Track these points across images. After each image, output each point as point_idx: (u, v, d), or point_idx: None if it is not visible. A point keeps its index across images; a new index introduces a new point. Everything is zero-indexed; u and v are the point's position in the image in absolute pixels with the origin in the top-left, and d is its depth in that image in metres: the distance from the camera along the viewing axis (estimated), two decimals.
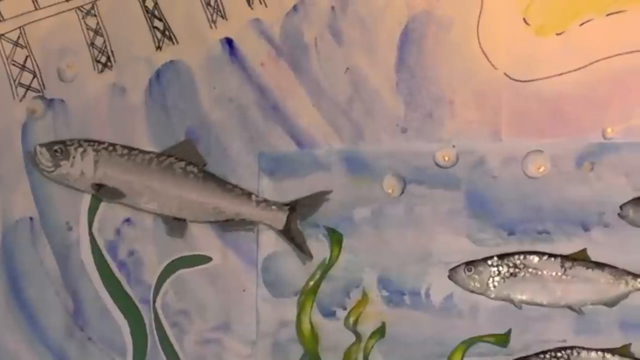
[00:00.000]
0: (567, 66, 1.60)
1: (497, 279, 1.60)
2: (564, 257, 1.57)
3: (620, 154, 1.57)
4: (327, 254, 1.68)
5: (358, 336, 1.66)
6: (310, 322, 1.67)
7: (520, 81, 1.62)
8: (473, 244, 1.62)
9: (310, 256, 1.68)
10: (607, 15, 1.59)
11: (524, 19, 1.62)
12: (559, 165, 1.59)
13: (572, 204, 1.55)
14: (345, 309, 1.67)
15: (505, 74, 1.63)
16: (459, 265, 1.61)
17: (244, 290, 1.72)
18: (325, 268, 1.67)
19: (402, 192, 1.66)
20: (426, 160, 1.65)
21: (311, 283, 1.68)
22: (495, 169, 1.62)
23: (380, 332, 1.64)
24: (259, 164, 1.72)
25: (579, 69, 1.59)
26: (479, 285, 1.60)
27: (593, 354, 1.55)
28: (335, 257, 1.67)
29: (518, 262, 1.59)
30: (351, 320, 1.66)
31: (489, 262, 1.60)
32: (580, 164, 1.59)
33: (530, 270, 1.58)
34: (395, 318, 1.65)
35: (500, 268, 1.60)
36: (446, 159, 1.64)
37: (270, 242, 1.71)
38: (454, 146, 1.64)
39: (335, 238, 1.67)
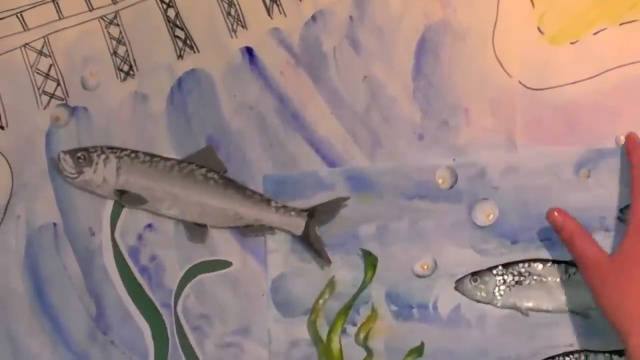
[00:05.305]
0: (581, 75, 1.60)
1: (503, 288, 1.60)
2: (568, 264, 1.57)
3: (618, 159, 1.57)
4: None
5: (369, 352, 1.66)
6: (340, 343, 1.67)
7: (535, 89, 1.62)
8: (478, 254, 1.62)
9: (329, 262, 1.69)
10: (621, 24, 1.59)
11: (539, 28, 1.62)
12: (559, 173, 1.59)
13: (573, 210, 1.54)
14: (355, 325, 1.67)
15: (520, 82, 1.63)
16: (465, 277, 1.62)
17: (263, 295, 1.72)
18: (359, 290, 1.67)
19: (406, 208, 1.66)
20: (428, 176, 1.65)
21: (321, 302, 1.68)
22: (496, 180, 1.62)
23: (418, 350, 1.64)
24: (264, 185, 1.74)
25: (593, 77, 1.59)
26: (485, 295, 1.60)
27: (601, 356, 1.54)
28: (369, 280, 1.67)
29: (523, 270, 1.59)
30: (362, 336, 1.66)
31: (494, 271, 1.60)
32: (577, 171, 1.59)
33: (535, 277, 1.58)
34: (405, 332, 1.65)
35: (506, 277, 1.60)
36: (441, 182, 1.64)
37: (279, 264, 1.72)
38: (454, 160, 1.64)
39: (370, 261, 1.67)
